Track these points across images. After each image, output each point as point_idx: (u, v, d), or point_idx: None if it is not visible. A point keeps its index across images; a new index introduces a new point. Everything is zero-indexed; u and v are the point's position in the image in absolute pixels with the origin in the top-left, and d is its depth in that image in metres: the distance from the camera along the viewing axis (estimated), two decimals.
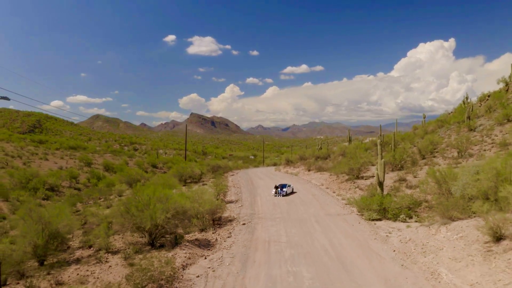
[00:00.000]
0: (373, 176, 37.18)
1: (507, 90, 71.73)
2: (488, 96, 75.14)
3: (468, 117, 58.97)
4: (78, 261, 17.08)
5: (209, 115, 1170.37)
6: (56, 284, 14.30)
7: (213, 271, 14.34)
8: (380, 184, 25.29)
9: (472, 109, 64.64)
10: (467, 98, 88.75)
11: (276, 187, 34.65)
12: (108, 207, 34.11)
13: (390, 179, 34.29)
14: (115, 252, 17.43)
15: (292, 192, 35.22)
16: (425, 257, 13.61)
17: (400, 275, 12.97)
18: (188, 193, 24.67)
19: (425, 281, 12.00)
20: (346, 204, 27.85)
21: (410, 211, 22.71)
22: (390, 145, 47.31)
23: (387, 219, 22.40)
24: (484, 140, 44.97)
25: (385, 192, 27.93)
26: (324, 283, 12.67)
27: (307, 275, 13.48)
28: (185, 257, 15.74)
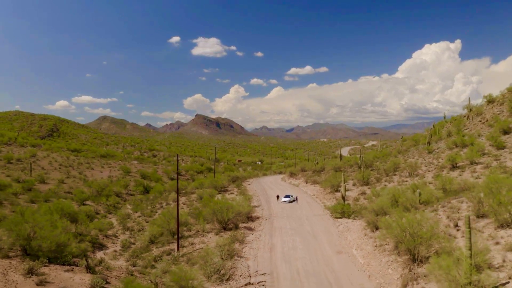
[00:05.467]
0: (347, 190, 55.74)
1: (467, 117, 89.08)
2: (455, 120, 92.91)
3: (428, 142, 77.40)
4: (189, 236, 35.94)
5: (214, 116, 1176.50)
6: (191, 244, 33.12)
7: (258, 238, 33.20)
8: (343, 198, 43.94)
9: (432, 135, 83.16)
10: (445, 117, 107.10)
11: (283, 197, 53.45)
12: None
13: (356, 192, 52.86)
14: (207, 231, 36.28)
15: (294, 200, 53.83)
16: (347, 232, 32.48)
17: (336, 239, 31.71)
18: (233, 202, 43.44)
19: (343, 241, 30.88)
20: (325, 209, 46.48)
21: (358, 213, 41.19)
22: (361, 166, 65.54)
23: (345, 217, 40.94)
24: (432, 162, 62.96)
25: (348, 202, 46.51)
26: (304, 243, 31.38)
27: (297, 239, 32.25)
28: (243, 233, 34.60)
